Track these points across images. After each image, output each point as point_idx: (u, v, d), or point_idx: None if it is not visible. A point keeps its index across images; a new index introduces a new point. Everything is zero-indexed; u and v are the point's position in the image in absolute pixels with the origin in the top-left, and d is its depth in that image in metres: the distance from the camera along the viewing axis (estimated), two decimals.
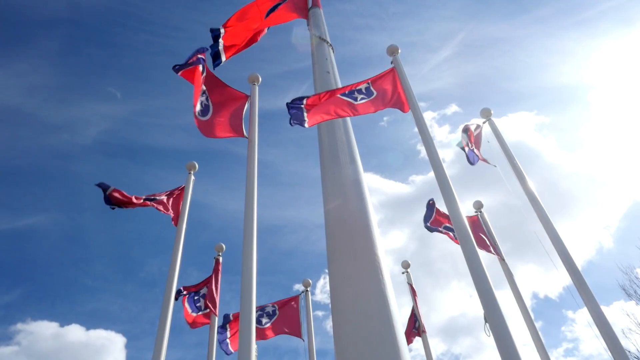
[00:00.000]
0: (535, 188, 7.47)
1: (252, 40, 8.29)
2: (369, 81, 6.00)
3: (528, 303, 8.45)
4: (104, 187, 8.24)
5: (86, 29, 31.31)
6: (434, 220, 10.00)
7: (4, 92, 29.84)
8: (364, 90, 5.87)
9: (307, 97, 5.53)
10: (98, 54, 32.24)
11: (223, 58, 7.52)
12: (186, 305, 9.60)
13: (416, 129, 5.62)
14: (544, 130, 37.15)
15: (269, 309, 11.23)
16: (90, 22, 31.21)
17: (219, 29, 7.61)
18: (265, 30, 8.54)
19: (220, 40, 7.56)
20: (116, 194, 8.25)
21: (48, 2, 29.72)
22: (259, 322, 10.67)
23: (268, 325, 11.04)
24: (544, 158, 32.72)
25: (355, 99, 5.79)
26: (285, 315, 11.23)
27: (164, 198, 8.71)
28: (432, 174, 5.15)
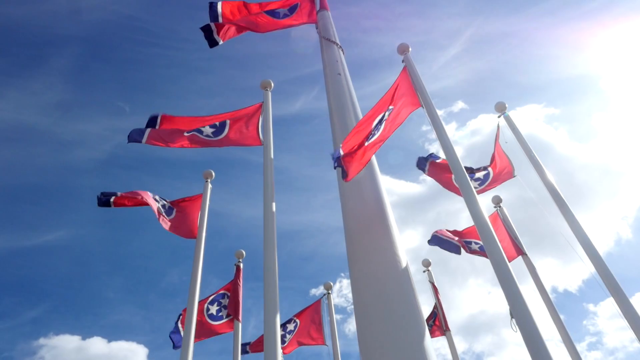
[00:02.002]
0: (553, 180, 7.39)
1: (255, 27, 8.46)
2: (391, 105, 5.77)
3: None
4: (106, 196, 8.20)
5: (96, 46, 31.70)
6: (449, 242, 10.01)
7: (21, 111, 30.36)
8: (387, 117, 5.68)
9: (343, 154, 5.28)
10: (108, 70, 32.61)
11: (218, 39, 7.90)
12: (205, 316, 9.60)
13: (424, 128, 5.59)
14: (554, 122, 36.63)
15: (291, 327, 11.17)
16: (99, 38, 31.60)
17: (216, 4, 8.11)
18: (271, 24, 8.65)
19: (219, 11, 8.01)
20: (122, 200, 8.27)
21: (58, 22, 30.17)
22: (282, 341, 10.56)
23: (288, 341, 10.99)
24: (557, 150, 32.20)
25: (374, 135, 5.61)
26: (306, 326, 11.19)
27: (176, 208, 8.71)
28: None
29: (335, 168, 5.20)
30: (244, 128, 6.96)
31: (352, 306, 4.33)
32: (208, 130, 6.95)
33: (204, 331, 9.39)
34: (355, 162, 5.27)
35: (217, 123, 7.00)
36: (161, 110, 6.98)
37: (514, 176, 8.81)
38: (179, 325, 9.10)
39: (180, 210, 8.84)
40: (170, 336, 9.12)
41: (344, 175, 5.11)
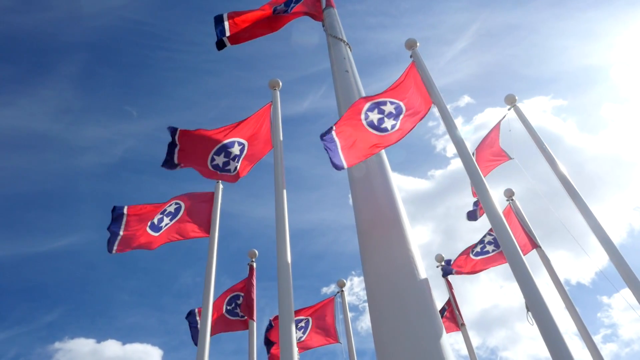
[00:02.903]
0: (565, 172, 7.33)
1: (265, 28, 8.40)
2: (399, 100, 5.61)
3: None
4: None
5: (102, 51, 31.93)
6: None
7: (32, 119, 30.69)
8: (394, 112, 5.54)
9: (335, 128, 5.15)
10: (115, 74, 32.85)
11: (226, 42, 7.82)
12: (224, 311, 9.64)
13: (430, 123, 5.55)
14: (562, 114, 36.24)
15: (302, 324, 11.18)
16: (105, 43, 31.83)
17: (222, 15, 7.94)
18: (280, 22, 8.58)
19: (226, 23, 7.86)
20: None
21: (64, 28, 30.43)
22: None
23: (302, 339, 10.99)
24: (566, 142, 31.81)
25: (387, 130, 5.49)
26: (319, 325, 11.19)
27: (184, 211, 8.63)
28: (450, 167, 5.09)
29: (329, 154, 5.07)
30: (259, 145, 6.99)
31: (364, 304, 4.35)
32: (232, 165, 6.96)
33: (223, 325, 9.45)
34: (354, 149, 5.23)
35: (237, 154, 6.99)
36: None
37: (511, 158, 8.81)
38: (197, 320, 9.12)
39: (189, 209, 8.75)
40: (191, 333, 9.15)
41: (338, 163, 5.03)
